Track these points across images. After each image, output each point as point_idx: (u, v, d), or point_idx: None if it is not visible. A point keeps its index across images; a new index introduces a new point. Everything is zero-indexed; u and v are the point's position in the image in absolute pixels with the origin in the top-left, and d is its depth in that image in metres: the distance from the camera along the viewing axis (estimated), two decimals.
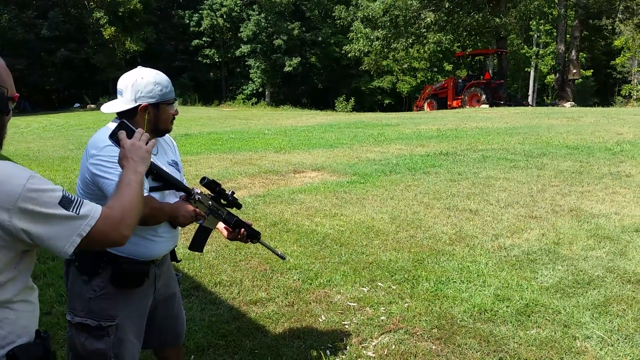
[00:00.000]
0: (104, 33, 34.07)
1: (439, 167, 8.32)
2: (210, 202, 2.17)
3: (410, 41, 28.80)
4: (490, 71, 25.83)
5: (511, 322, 3.30)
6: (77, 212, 1.30)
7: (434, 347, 3.06)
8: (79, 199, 1.34)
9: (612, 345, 3.03)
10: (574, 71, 29.98)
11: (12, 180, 1.23)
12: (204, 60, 39.59)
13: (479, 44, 29.85)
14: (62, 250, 1.30)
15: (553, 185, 6.94)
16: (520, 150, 9.52)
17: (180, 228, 2.17)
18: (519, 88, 39.98)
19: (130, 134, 1.66)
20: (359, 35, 30.49)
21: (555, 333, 3.17)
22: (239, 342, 3.15)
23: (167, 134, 2.21)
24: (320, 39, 38.82)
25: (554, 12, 32.17)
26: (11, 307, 1.32)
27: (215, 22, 38.69)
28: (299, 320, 3.42)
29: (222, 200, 2.23)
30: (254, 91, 39.86)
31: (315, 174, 8.10)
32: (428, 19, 26.69)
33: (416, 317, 3.40)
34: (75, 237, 1.30)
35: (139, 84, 2.00)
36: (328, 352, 3.02)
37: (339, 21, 33.55)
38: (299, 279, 4.05)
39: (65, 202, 1.29)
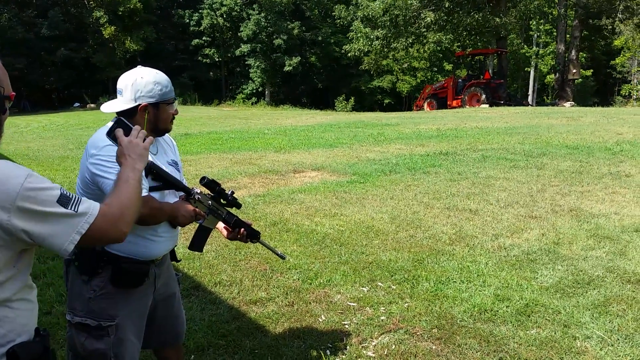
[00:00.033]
0: (103, 32, 34.07)
1: (439, 166, 8.32)
2: (210, 202, 2.17)
3: (410, 41, 28.80)
4: (490, 71, 25.82)
5: (511, 322, 3.30)
6: (76, 210, 1.30)
7: (434, 347, 3.06)
8: (77, 196, 1.34)
9: (612, 345, 3.03)
10: (574, 71, 29.98)
11: (10, 180, 1.23)
12: (204, 60, 39.59)
13: (479, 44, 29.84)
14: (62, 248, 1.30)
15: (553, 185, 6.94)
16: (520, 150, 9.52)
17: (180, 228, 2.17)
18: (518, 88, 39.98)
19: (127, 132, 1.66)
20: (358, 34, 30.49)
21: (555, 333, 3.17)
22: (239, 342, 3.15)
23: (166, 134, 2.21)
24: (320, 38, 38.81)
25: (553, 12, 32.17)
26: (10, 305, 1.32)
27: (215, 22, 38.68)
28: (298, 320, 3.42)
29: (221, 200, 2.23)
30: (254, 91, 39.86)
31: (315, 174, 8.10)
32: (428, 18, 26.68)
33: (416, 317, 3.40)
34: (75, 234, 1.30)
35: (139, 83, 1.99)
36: (328, 352, 3.02)
37: (338, 21, 33.56)
38: (298, 279, 4.05)
39: (64, 200, 1.29)
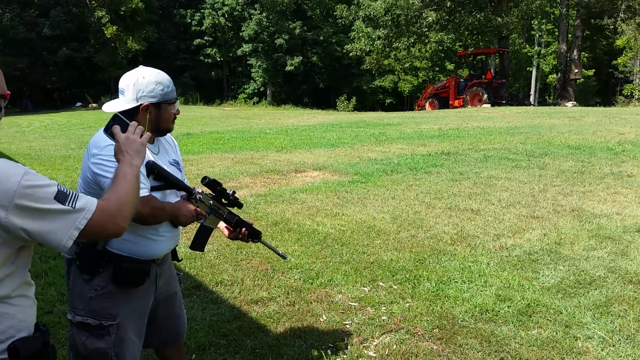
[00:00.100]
0: (105, 32, 34.11)
1: (441, 166, 8.32)
2: (211, 202, 2.17)
3: (412, 40, 28.79)
4: (492, 70, 25.82)
5: (512, 322, 3.30)
6: (73, 206, 1.31)
7: (435, 347, 3.05)
8: (74, 192, 1.34)
9: (613, 346, 3.03)
10: (576, 71, 29.92)
11: (8, 178, 1.23)
12: (206, 60, 39.63)
13: (480, 44, 29.82)
14: (61, 245, 1.30)
15: (555, 185, 6.93)
16: (522, 150, 9.51)
17: (181, 227, 2.17)
18: (520, 87, 39.93)
19: (124, 128, 1.66)
20: (360, 34, 30.49)
21: (556, 333, 3.17)
22: (240, 342, 3.15)
23: (168, 134, 2.21)
24: (321, 38, 38.81)
25: (555, 12, 32.12)
26: (10, 302, 1.33)
27: (216, 21, 38.71)
28: (300, 319, 3.42)
29: (223, 200, 2.23)
30: (256, 90, 39.88)
31: (316, 174, 8.10)
32: (430, 18, 26.67)
33: (417, 317, 3.40)
34: (73, 230, 1.31)
35: (141, 83, 2.00)
36: (329, 352, 3.02)
37: (340, 20, 33.53)
38: (300, 279, 4.05)
39: (61, 197, 1.30)
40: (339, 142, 11.58)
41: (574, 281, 3.91)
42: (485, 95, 23.21)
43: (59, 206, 1.29)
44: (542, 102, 35.10)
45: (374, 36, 28.95)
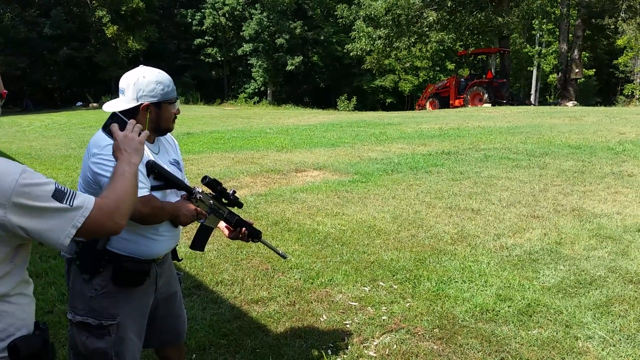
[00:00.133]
0: (106, 32, 34.13)
1: (441, 166, 8.32)
2: (211, 201, 2.17)
3: (413, 40, 28.78)
4: (492, 70, 25.80)
5: (513, 322, 3.30)
6: (71, 204, 1.31)
7: (435, 347, 3.05)
8: (72, 191, 1.35)
9: (614, 346, 3.03)
10: (577, 70, 29.91)
11: (5, 176, 1.24)
12: (206, 59, 39.64)
13: (481, 43, 29.80)
14: (59, 242, 1.31)
15: (555, 184, 6.92)
16: (523, 149, 9.51)
17: (181, 227, 2.17)
18: (521, 87, 39.91)
19: (122, 127, 1.66)
20: (361, 34, 30.48)
21: (557, 333, 3.16)
22: (241, 341, 3.15)
23: (168, 133, 2.21)
24: (322, 37, 38.80)
25: (556, 11, 32.09)
26: (9, 300, 1.34)
27: (217, 21, 38.72)
28: (300, 319, 3.42)
29: (223, 200, 2.23)
30: (256, 90, 39.89)
31: (317, 173, 8.10)
32: (430, 17, 26.65)
33: (418, 317, 3.39)
34: (71, 228, 1.31)
35: (141, 82, 2.00)
36: (329, 352, 3.02)
37: (341, 20, 33.54)
38: (300, 278, 4.05)
39: (59, 195, 1.30)
40: (340, 141, 11.58)
41: (575, 281, 3.90)
42: (486, 95, 23.20)
43: (57, 204, 1.29)
44: (542, 101, 35.09)
45: (374, 36, 28.93)
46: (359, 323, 3.35)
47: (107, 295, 1.95)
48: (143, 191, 1.87)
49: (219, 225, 2.31)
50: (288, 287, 3.89)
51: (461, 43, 31.63)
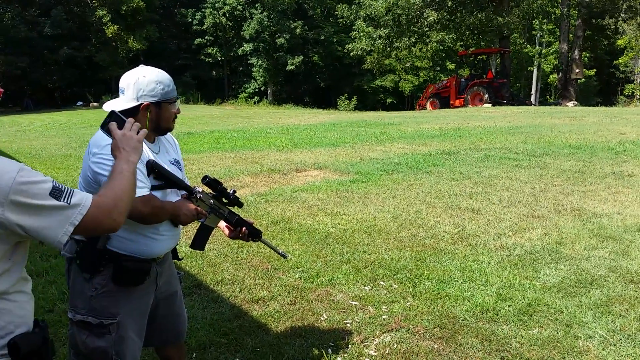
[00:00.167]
0: (106, 31, 34.14)
1: (441, 166, 8.31)
2: (211, 201, 2.17)
3: (413, 40, 28.78)
4: (493, 70, 25.78)
5: (513, 322, 3.29)
6: (68, 202, 1.31)
7: (435, 346, 3.05)
8: (70, 189, 1.35)
9: (614, 345, 3.03)
10: (577, 70, 29.91)
11: (3, 174, 1.24)
12: (207, 59, 39.65)
13: (481, 43, 29.79)
14: (56, 240, 1.31)
15: (556, 184, 6.92)
16: (523, 149, 9.50)
17: (181, 226, 2.17)
18: (521, 87, 39.90)
19: (121, 125, 1.66)
20: (361, 34, 30.48)
21: (557, 333, 3.16)
22: (241, 341, 3.15)
23: (168, 133, 2.21)
24: (322, 37, 38.80)
25: (556, 12, 32.10)
26: (8, 298, 1.34)
27: (217, 21, 38.72)
28: (300, 318, 3.42)
29: (223, 199, 2.23)
30: (257, 90, 39.90)
31: (317, 173, 8.10)
32: (431, 17, 26.65)
33: (418, 316, 3.39)
34: (68, 226, 1.31)
35: (141, 82, 2.00)
36: (330, 351, 3.02)
37: (341, 20, 33.52)
38: (300, 278, 4.05)
39: (56, 193, 1.30)
40: (340, 141, 11.58)
41: (575, 280, 3.90)
42: (486, 95, 23.19)
43: (54, 202, 1.29)
44: (543, 101, 35.07)
45: (374, 36, 28.93)
46: (359, 322, 3.35)
47: (107, 294, 1.95)
48: (143, 191, 1.87)
49: (219, 224, 2.31)
50: (288, 287, 3.89)
51: (461, 43, 31.63)
